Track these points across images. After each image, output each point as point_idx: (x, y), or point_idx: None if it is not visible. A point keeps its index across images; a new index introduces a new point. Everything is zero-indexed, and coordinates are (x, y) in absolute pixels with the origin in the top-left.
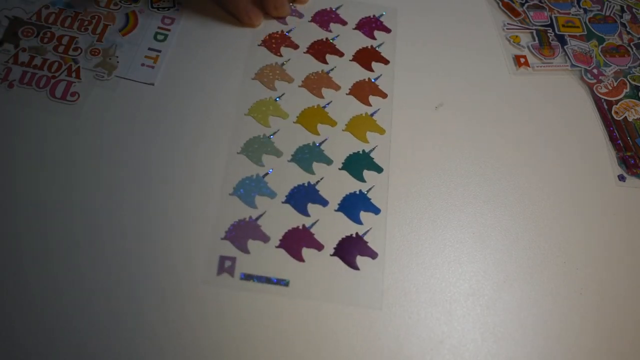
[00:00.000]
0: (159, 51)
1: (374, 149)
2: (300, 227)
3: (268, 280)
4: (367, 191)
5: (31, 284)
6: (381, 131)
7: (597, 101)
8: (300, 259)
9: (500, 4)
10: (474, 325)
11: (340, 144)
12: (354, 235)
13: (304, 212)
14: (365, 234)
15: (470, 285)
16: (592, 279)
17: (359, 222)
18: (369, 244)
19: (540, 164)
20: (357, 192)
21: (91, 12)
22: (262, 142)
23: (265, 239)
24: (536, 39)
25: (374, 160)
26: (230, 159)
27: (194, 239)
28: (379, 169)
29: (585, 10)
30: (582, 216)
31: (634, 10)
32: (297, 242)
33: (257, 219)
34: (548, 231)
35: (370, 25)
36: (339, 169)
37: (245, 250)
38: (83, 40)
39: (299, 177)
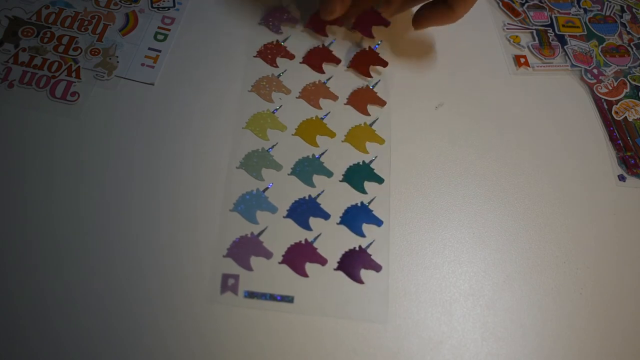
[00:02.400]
0: (159, 51)
1: (374, 159)
2: (303, 242)
3: (272, 297)
4: (369, 203)
5: (30, 285)
6: (380, 141)
7: (597, 101)
8: (304, 274)
9: (500, 4)
10: (474, 325)
11: (340, 156)
12: (357, 249)
13: (306, 227)
14: (368, 246)
15: (470, 285)
16: (592, 279)
17: (362, 235)
18: (372, 257)
19: (540, 164)
20: (359, 204)
21: (91, 12)
22: (261, 156)
23: (267, 255)
24: (536, 39)
25: (375, 171)
26: (230, 174)
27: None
28: (380, 180)
29: (585, 10)
30: (582, 216)
31: (634, 10)
32: (300, 257)
33: (259, 234)
34: (548, 231)
35: (367, 21)
36: (340, 181)
37: (248, 267)
38: (83, 40)
39: (300, 190)
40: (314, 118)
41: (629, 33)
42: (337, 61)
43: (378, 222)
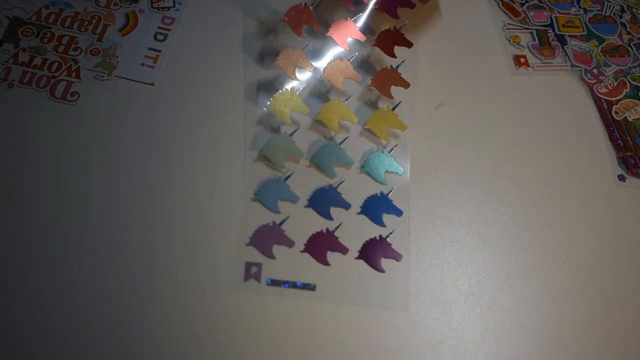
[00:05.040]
0: (159, 51)
1: (394, 147)
2: (324, 231)
3: (294, 285)
4: (388, 193)
5: (33, 285)
6: (402, 127)
7: (597, 101)
8: (325, 263)
9: (500, 4)
10: (474, 325)
11: (361, 142)
12: (377, 238)
13: (327, 216)
14: (388, 236)
15: (470, 285)
16: (592, 279)
17: (382, 225)
18: (392, 246)
19: (540, 164)
20: (379, 194)
21: (91, 12)
22: (282, 142)
23: (290, 243)
24: (536, 39)
25: (395, 160)
26: (248, 161)
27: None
28: (399, 170)
29: (585, 10)
30: (582, 216)
31: (634, 10)
32: (321, 246)
33: (281, 223)
34: (548, 231)
35: (392, 1)
36: (361, 167)
37: (271, 256)
38: (83, 40)
39: (320, 179)
40: (337, 100)
41: (629, 33)
42: (361, 37)
43: (398, 212)
